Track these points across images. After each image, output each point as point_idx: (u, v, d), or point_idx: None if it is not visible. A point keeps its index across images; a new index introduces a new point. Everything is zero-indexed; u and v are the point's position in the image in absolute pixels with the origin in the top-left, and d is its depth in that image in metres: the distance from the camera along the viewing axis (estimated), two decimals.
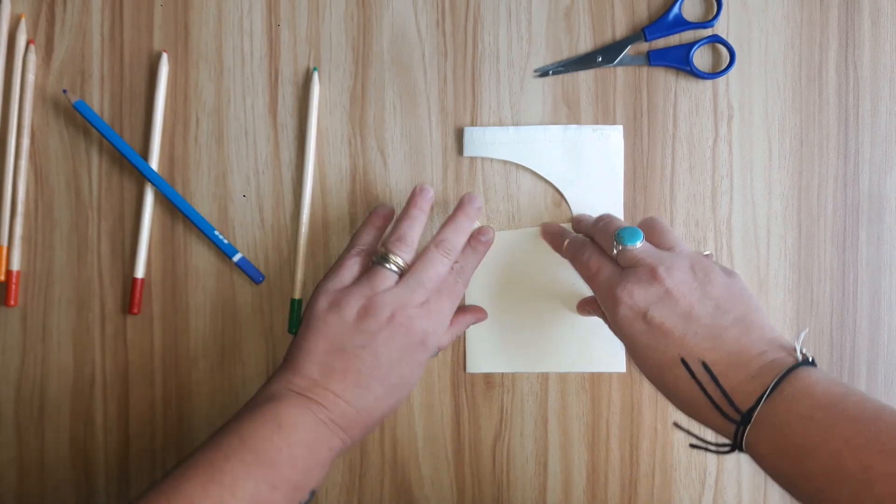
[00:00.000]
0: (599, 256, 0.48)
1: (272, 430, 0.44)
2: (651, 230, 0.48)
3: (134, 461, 0.56)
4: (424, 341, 0.48)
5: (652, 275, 0.44)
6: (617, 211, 0.55)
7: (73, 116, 0.55)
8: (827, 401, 0.38)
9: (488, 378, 0.56)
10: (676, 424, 0.49)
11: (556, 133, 0.55)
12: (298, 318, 0.55)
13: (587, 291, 0.55)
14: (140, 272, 0.55)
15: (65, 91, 0.54)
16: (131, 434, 0.56)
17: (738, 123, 0.55)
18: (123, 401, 0.56)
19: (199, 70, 0.56)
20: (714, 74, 0.55)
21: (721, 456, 0.56)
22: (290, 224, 0.56)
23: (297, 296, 0.55)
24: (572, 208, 0.55)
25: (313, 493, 0.45)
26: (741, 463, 0.56)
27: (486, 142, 0.55)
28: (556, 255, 0.54)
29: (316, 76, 0.55)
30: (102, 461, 0.56)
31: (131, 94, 0.56)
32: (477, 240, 0.52)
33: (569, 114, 0.55)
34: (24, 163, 0.55)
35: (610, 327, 0.48)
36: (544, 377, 0.56)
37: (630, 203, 0.56)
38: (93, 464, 0.56)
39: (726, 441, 0.41)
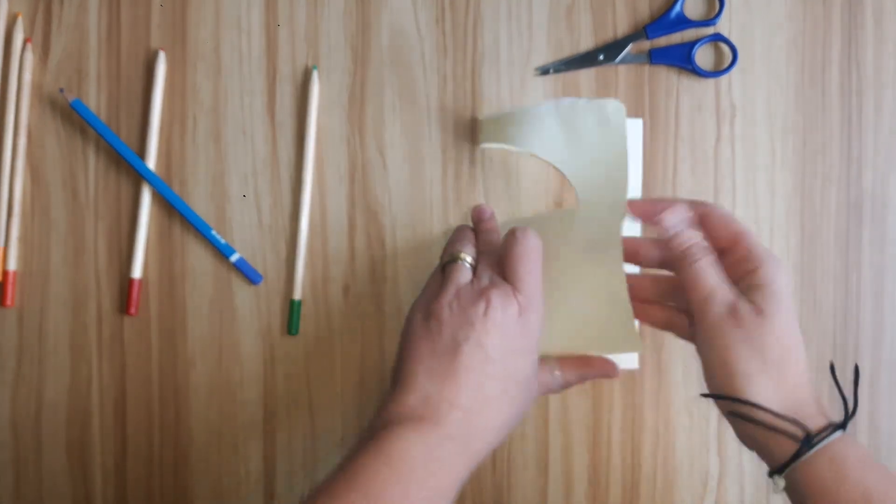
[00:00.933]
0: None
1: (381, 463, 0.39)
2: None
3: (131, 462, 0.56)
4: (524, 322, 0.44)
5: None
6: (620, 190, 0.49)
7: (70, 116, 0.55)
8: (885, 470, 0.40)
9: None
10: (709, 395, 0.45)
11: (551, 111, 0.50)
12: (298, 319, 0.55)
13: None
14: (137, 273, 0.55)
15: (62, 90, 0.54)
16: (128, 435, 0.56)
17: (740, 123, 0.55)
18: (120, 402, 0.56)
19: (196, 69, 0.55)
20: (716, 73, 0.55)
21: (723, 458, 0.55)
22: (288, 224, 0.55)
23: (296, 297, 0.55)
24: (578, 194, 0.50)
25: None
26: (743, 464, 0.56)
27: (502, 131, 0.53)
28: (574, 242, 0.50)
29: (315, 75, 0.55)
30: (99, 462, 0.56)
31: (128, 94, 0.55)
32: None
33: None
34: (20, 162, 0.55)
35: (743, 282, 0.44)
36: None
37: None
38: (90, 465, 0.56)
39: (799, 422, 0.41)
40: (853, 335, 0.56)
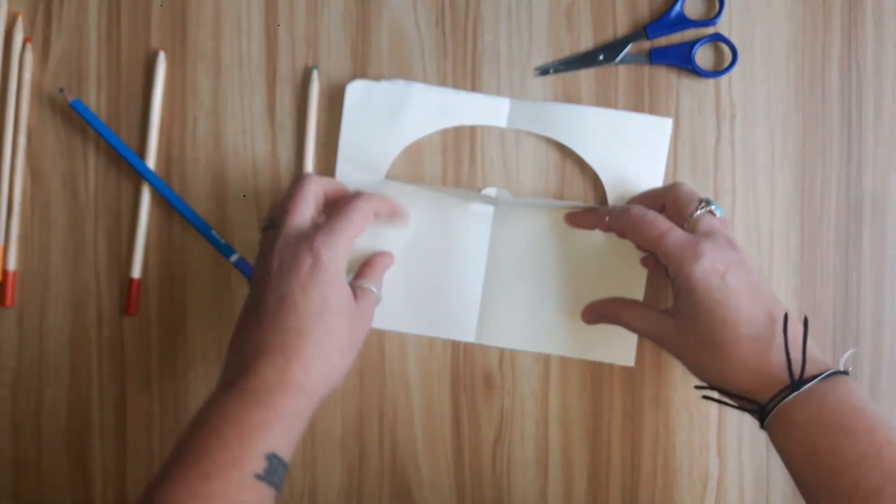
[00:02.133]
0: (667, 220, 0.48)
1: (197, 427, 0.42)
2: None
3: (131, 462, 0.56)
4: (317, 257, 0.45)
5: (730, 244, 0.46)
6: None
7: (70, 115, 0.55)
8: (872, 405, 0.42)
9: (488, 380, 0.56)
10: (707, 397, 0.48)
11: (603, 116, 0.54)
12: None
13: (604, 278, 0.54)
14: (137, 272, 0.55)
15: (62, 90, 0.54)
16: (128, 435, 0.56)
17: (740, 123, 0.55)
18: (121, 402, 0.56)
19: (196, 69, 0.55)
20: (716, 73, 0.55)
21: (723, 458, 0.55)
22: None
23: None
24: (608, 195, 0.54)
25: (275, 458, 0.41)
26: (743, 465, 0.56)
27: (532, 116, 0.54)
28: (574, 238, 0.54)
29: (315, 75, 0.55)
30: (99, 462, 0.56)
31: (128, 93, 0.55)
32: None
33: None
34: (20, 162, 0.55)
35: (673, 284, 0.47)
36: (545, 378, 0.55)
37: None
38: (90, 465, 0.56)
39: (752, 400, 0.44)
40: (853, 335, 0.56)
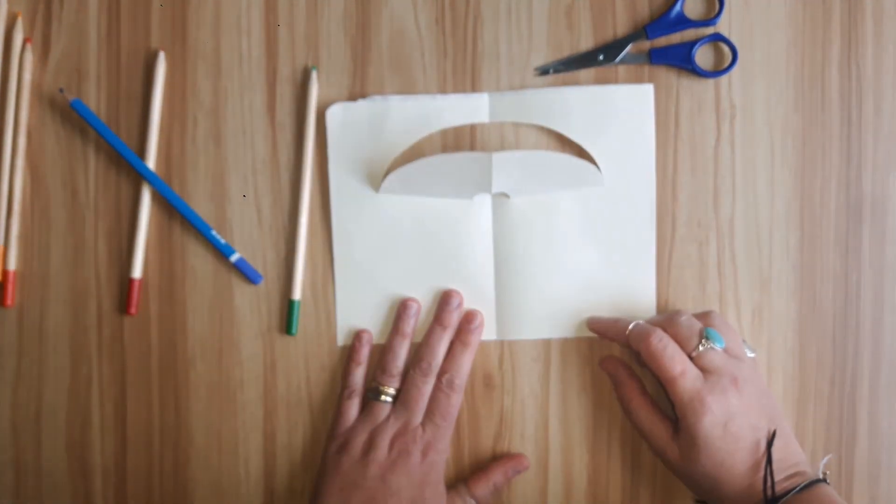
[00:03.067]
0: (682, 356, 0.49)
1: None
2: (716, 327, 0.51)
3: (131, 462, 0.56)
4: (428, 461, 0.51)
5: (735, 386, 0.48)
6: (649, 176, 0.55)
7: (70, 115, 0.55)
8: None
9: (488, 380, 0.56)
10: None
11: (583, 93, 0.54)
12: (297, 319, 0.55)
13: (614, 249, 0.54)
14: (137, 272, 0.55)
15: (61, 90, 0.54)
16: (128, 435, 0.56)
17: (740, 123, 0.55)
18: (120, 402, 0.56)
19: (196, 69, 0.55)
20: (716, 73, 0.55)
21: None
22: (288, 224, 0.55)
23: (295, 297, 0.55)
24: (603, 171, 0.54)
25: None
26: None
27: (514, 106, 0.54)
28: (576, 217, 0.55)
29: (314, 75, 0.55)
30: (99, 462, 0.56)
31: (128, 94, 0.55)
32: (466, 331, 0.54)
33: None
34: (20, 162, 0.55)
35: (679, 423, 0.49)
36: (545, 378, 0.55)
37: None
38: (90, 465, 0.56)
39: None
40: (853, 335, 0.56)
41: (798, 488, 0.47)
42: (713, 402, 0.47)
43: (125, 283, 0.55)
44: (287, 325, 0.55)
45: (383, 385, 0.53)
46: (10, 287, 0.55)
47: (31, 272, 0.55)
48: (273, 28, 0.55)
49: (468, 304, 0.55)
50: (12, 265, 0.55)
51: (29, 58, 0.55)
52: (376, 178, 0.55)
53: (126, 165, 0.55)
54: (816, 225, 0.55)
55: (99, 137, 0.55)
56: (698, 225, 0.55)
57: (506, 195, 0.54)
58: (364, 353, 0.55)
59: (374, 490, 0.50)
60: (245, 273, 0.55)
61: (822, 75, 0.55)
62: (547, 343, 0.56)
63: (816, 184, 0.55)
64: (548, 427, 0.56)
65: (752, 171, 0.55)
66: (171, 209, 0.55)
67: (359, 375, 0.54)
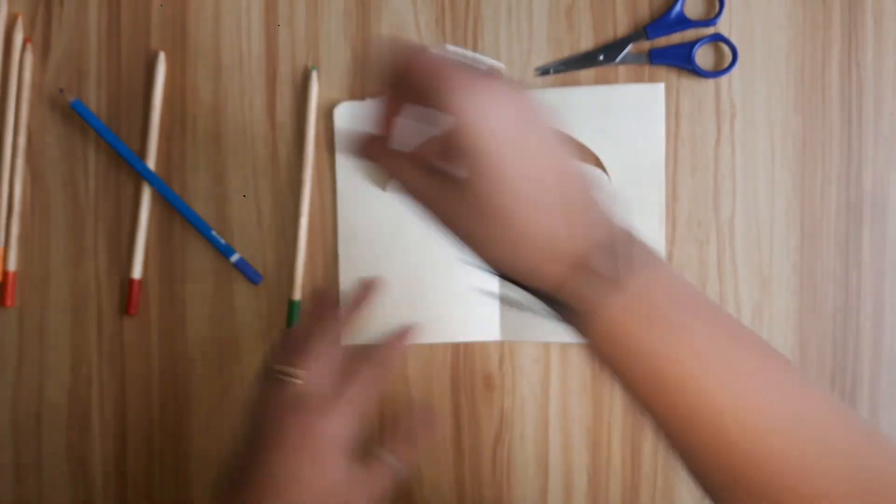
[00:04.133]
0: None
1: None
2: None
3: (131, 463, 0.56)
4: (322, 426, 0.45)
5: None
6: (658, 177, 0.54)
7: (70, 116, 0.55)
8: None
9: (488, 380, 0.56)
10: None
11: (593, 94, 0.54)
12: (297, 319, 0.55)
13: None
14: (137, 273, 0.55)
15: (62, 90, 0.54)
16: (128, 435, 0.56)
17: (740, 123, 0.55)
18: (120, 402, 0.56)
19: (196, 69, 0.55)
20: (716, 73, 0.54)
21: None
22: (288, 224, 0.55)
23: (295, 297, 0.55)
24: (612, 173, 0.54)
25: None
26: None
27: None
28: None
29: (314, 75, 0.55)
30: (100, 463, 0.56)
31: (128, 94, 0.55)
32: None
33: None
34: (20, 162, 0.55)
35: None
36: (545, 378, 0.55)
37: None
38: (90, 465, 0.56)
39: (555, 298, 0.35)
40: (853, 335, 0.56)
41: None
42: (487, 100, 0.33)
43: (125, 283, 0.55)
44: (287, 326, 0.55)
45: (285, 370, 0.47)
46: (10, 287, 0.55)
47: (31, 273, 0.55)
48: (273, 28, 0.55)
49: (472, 303, 0.55)
50: (12, 266, 0.55)
51: (29, 58, 0.55)
52: (383, 179, 0.55)
53: (126, 165, 0.55)
54: (816, 225, 0.55)
55: (99, 137, 0.55)
56: (698, 225, 0.55)
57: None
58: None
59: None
60: (245, 273, 0.55)
61: (822, 75, 0.55)
62: (547, 344, 0.56)
63: (816, 184, 0.55)
64: (548, 427, 0.56)
65: (752, 171, 0.55)
66: (171, 209, 0.55)
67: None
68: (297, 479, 0.43)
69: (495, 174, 0.33)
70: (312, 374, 0.46)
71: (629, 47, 0.55)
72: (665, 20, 0.54)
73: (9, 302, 0.55)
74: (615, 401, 0.55)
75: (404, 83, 0.35)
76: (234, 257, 0.55)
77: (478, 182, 0.34)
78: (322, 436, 0.45)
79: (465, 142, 0.33)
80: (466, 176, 0.34)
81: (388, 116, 0.38)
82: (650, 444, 0.56)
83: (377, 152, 0.38)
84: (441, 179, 0.36)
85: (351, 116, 0.54)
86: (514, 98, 0.34)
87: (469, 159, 0.33)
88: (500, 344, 0.56)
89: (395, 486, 0.47)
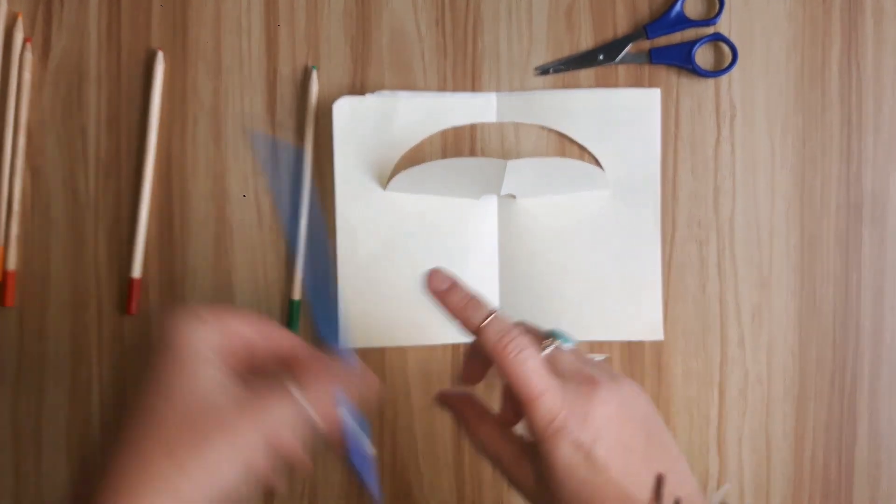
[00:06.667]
0: (545, 371, 0.38)
1: None
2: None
3: None
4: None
5: (593, 388, 0.38)
6: (654, 179, 0.55)
7: (70, 115, 0.55)
8: None
9: (488, 380, 0.56)
10: None
11: (591, 96, 0.54)
12: (297, 320, 0.55)
13: (620, 253, 0.54)
14: (137, 272, 0.55)
15: (250, 129, 0.54)
16: None
17: (740, 123, 0.55)
18: (120, 402, 0.56)
19: (196, 69, 0.55)
20: (716, 73, 0.55)
21: (723, 458, 0.55)
22: (288, 224, 0.55)
23: (295, 297, 0.55)
24: (608, 174, 0.54)
25: None
26: (743, 465, 0.56)
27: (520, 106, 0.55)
28: (583, 219, 0.54)
29: (315, 75, 0.55)
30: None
31: (128, 93, 0.55)
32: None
33: None
34: (20, 162, 0.55)
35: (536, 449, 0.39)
36: None
37: None
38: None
39: None
40: (853, 335, 0.56)
41: None
42: (570, 419, 0.37)
43: (125, 282, 0.55)
44: (287, 325, 0.55)
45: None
46: (10, 287, 0.55)
47: (31, 272, 0.55)
48: (273, 28, 0.55)
49: None
50: (12, 265, 0.55)
51: (29, 58, 0.55)
52: (382, 175, 0.55)
53: (126, 165, 0.55)
54: (816, 225, 0.55)
55: (99, 137, 0.55)
56: (698, 225, 0.55)
57: (512, 196, 0.55)
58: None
59: None
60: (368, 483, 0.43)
61: (822, 75, 0.55)
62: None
63: (816, 184, 0.55)
64: None
65: (752, 171, 0.55)
66: (171, 209, 0.55)
67: None
68: (157, 383, 0.36)
69: (586, 497, 0.37)
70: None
71: (629, 47, 0.55)
72: (665, 20, 0.54)
73: (9, 302, 0.55)
74: None
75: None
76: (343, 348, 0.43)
77: (568, 500, 0.37)
78: (192, 342, 0.36)
79: (557, 471, 0.37)
80: (555, 489, 0.37)
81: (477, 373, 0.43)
82: None
83: (469, 413, 0.42)
84: (529, 474, 0.39)
85: (350, 111, 0.54)
86: (594, 417, 0.37)
87: (561, 483, 0.37)
88: None
89: (308, 433, 0.37)
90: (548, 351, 0.40)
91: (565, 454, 0.37)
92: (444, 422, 0.56)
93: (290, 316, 0.55)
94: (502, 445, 0.41)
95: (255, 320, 0.39)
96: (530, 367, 0.38)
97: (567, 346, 0.40)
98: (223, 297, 0.55)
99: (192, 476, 0.34)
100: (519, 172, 0.52)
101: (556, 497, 0.37)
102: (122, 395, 0.37)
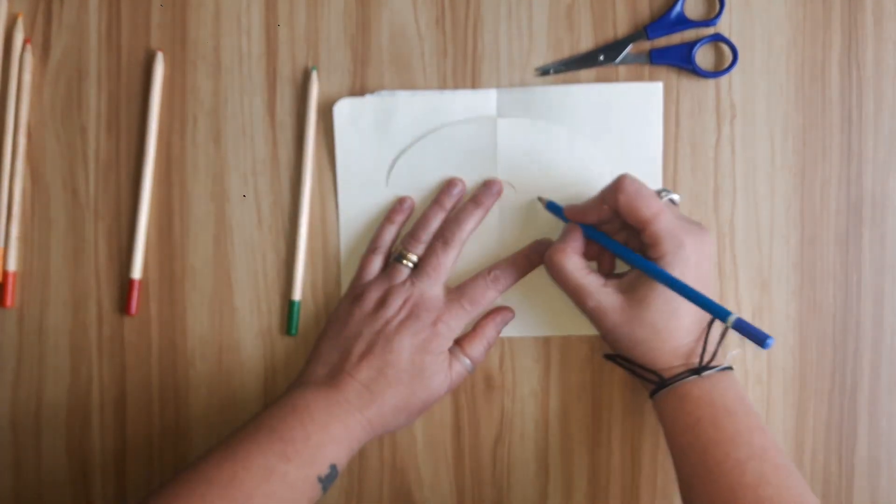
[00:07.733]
0: (656, 197, 0.49)
1: (286, 412, 0.48)
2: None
3: (131, 463, 0.56)
4: (436, 330, 0.51)
5: (703, 232, 0.49)
6: (655, 174, 0.55)
7: (70, 115, 0.55)
8: (748, 399, 0.49)
9: (488, 380, 0.56)
10: (611, 359, 0.52)
11: (592, 91, 0.54)
12: (297, 320, 0.55)
13: None
14: (137, 273, 0.55)
15: (543, 198, 0.54)
16: (128, 435, 0.56)
17: (740, 123, 0.55)
18: (120, 402, 0.56)
19: (196, 69, 0.55)
20: (716, 73, 0.55)
21: None
22: (288, 224, 0.55)
23: (295, 297, 0.55)
24: (609, 167, 0.54)
25: (334, 468, 0.48)
26: None
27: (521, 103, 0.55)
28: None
29: (315, 75, 0.55)
30: (99, 463, 0.56)
31: (128, 93, 0.55)
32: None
33: None
34: (20, 163, 0.55)
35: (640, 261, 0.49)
36: (545, 378, 0.55)
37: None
38: (90, 465, 0.56)
39: (657, 373, 0.49)
40: (853, 335, 0.56)
41: (720, 368, 0.48)
42: (689, 241, 0.47)
43: (125, 283, 0.55)
44: (287, 325, 0.55)
45: (408, 250, 0.53)
46: (10, 287, 0.55)
47: (31, 272, 0.55)
48: (273, 28, 0.55)
49: None
50: (12, 266, 0.55)
51: (29, 58, 0.55)
52: (384, 173, 0.55)
53: (126, 165, 0.55)
54: (816, 225, 0.55)
55: (99, 137, 0.55)
56: None
57: (512, 187, 0.55)
58: (400, 217, 0.54)
59: (374, 343, 0.50)
60: (749, 333, 0.44)
61: (822, 75, 0.55)
62: (547, 344, 0.56)
63: (816, 184, 0.55)
64: (548, 427, 0.56)
65: (752, 171, 0.55)
66: (171, 209, 0.55)
67: (388, 234, 0.54)
68: (421, 371, 0.51)
69: (673, 308, 0.48)
70: (442, 279, 0.53)
71: (629, 47, 0.55)
72: (665, 20, 0.54)
73: (9, 302, 0.55)
74: (615, 401, 0.55)
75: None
76: (732, 319, 0.45)
77: (657, 308, 0.48)
78: (445, 338, 0.52)
79: (671, 265, 0.47)
80: (648, 299, 0.48)
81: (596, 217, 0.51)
82: (650, 444, 0.56)
83: (556, 258, 0.51)
84: (616, 294, 0.49)
85: (350, 112, 0.54)
86: (704, 247, 0.49)
87: (661, 290, 0.47)
88: (501, 344, 0.56)
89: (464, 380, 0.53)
90: (664, 199, 0.50)
91: (683, 260, 0.47)
92: (444, 422, 0.56)
93: (290, 316, 0.55)
94: (590, 274, 0.50)
95: None
96: (646, 193, 0.48)
97: (676, 199, 0.51)
98: (223, 297, 0.55)
99: None
100: (513, 136, 0.54)
101: (648, 307, 0.48)
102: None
